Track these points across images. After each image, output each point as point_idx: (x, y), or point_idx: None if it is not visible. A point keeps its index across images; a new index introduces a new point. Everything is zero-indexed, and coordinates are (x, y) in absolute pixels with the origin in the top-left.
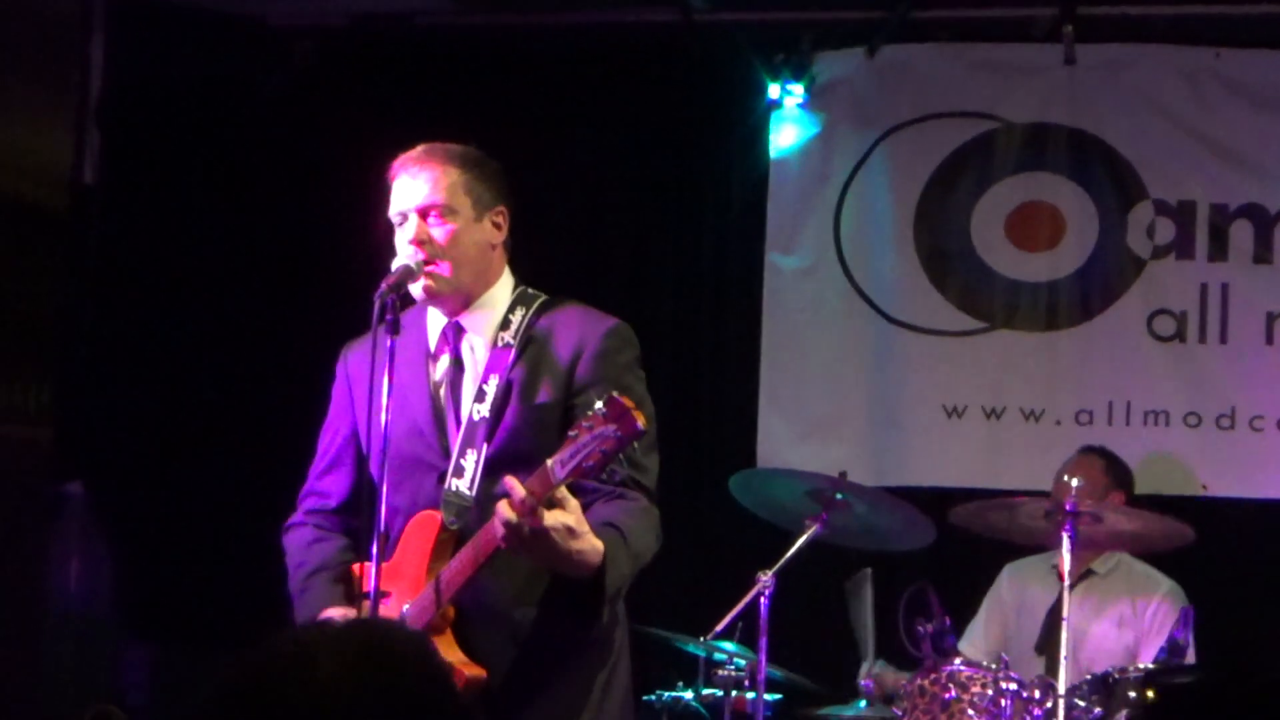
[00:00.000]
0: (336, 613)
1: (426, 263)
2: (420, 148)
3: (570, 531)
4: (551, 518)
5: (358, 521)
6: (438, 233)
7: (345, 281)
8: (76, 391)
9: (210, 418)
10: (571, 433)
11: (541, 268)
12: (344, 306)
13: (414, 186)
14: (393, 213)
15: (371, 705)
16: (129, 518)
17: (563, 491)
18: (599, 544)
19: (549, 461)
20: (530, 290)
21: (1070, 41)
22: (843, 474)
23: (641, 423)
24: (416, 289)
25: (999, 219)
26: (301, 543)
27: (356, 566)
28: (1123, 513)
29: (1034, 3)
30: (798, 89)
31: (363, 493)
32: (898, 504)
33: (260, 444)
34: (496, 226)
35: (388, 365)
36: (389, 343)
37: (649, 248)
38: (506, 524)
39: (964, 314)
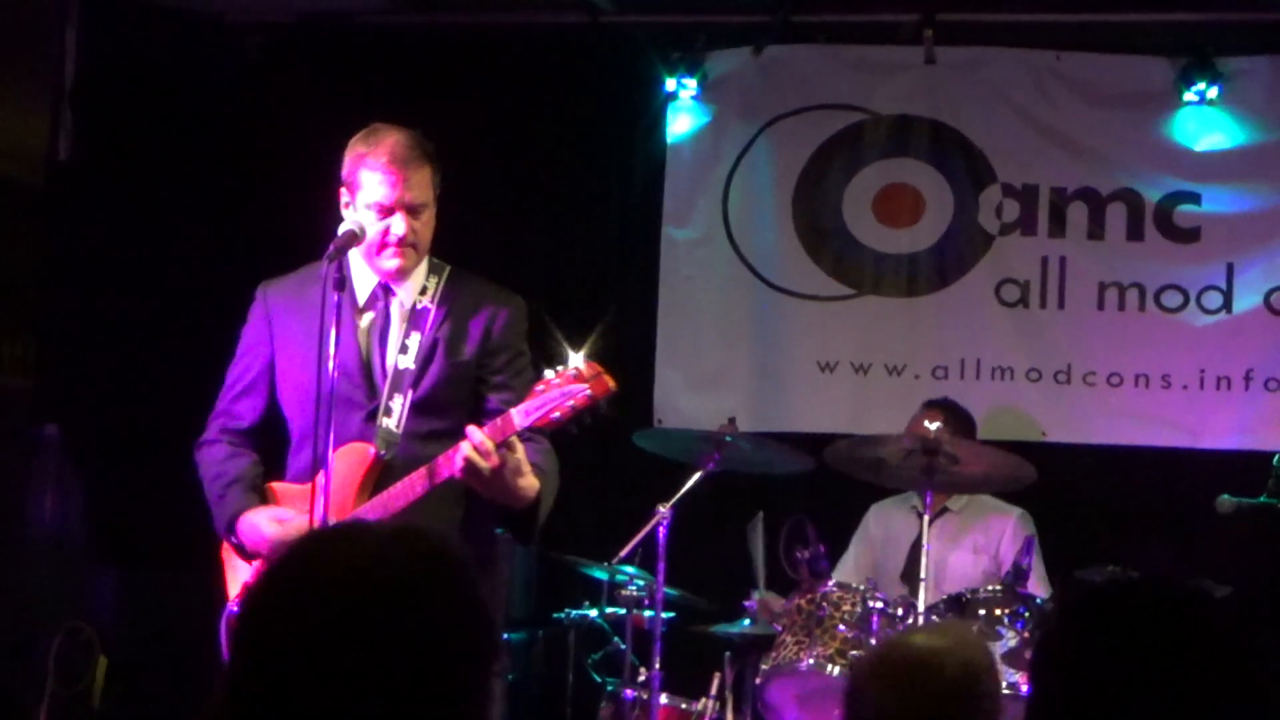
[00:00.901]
0: (261, 515)
1: (404, 246)
2: (397, 142)
3: (519, 470)
4: (510, 459)
5: (266, 442)
6: (419, 225)
7: (288, 245)
8: (53, 345)
9: (170, 367)
10: (539, 387)
11: (467, 241)
12: (287, 265)
13: (403, 185)
14: (372, 200)
15: (412, 578)
16: (99, 457)
17: (514, 438)
18: (535, 483)
19: (512, 411)
20: (436, 260)
21: (930, 44)
22: (732, 420)
23: (612, 384)
24: (390, 264)
25: (867, 198)
26: (217, 457)
27: (273, 485)
28: (975, 449)
29: (900, 9)
30: (692, 83)
31: (271, 419)
32: (776, 442)
33: (217, 385)
34: (437, 208)
35: (334, 320)
36: (335, 298)
37: (560, 223)
38: (469, 460)
39: (836, 281)
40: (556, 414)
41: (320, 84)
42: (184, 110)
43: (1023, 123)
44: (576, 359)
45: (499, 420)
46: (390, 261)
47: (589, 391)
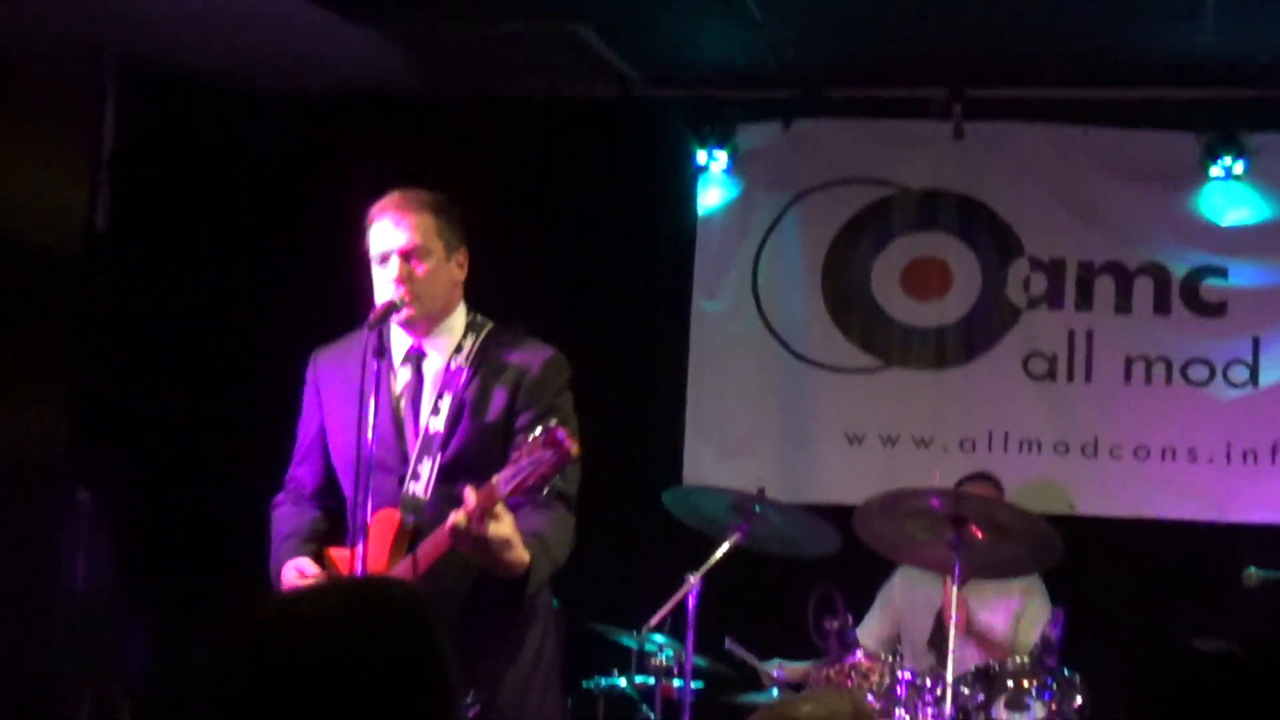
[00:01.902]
0: (292, 564)
1: (407, 296)
2: (398, 194)
3: (506, 543)
4: (493, 529)
5: (331, 503)
6: (417, 272)
7: (324, 314)
8: (86, 410)
9: (201, 431)
10: (514, 454)
11: (495, 313)
12: (321, 333)
13: (396, 231)
14: (375, 253)
15: (355, 641)
16: (130, 521)
17: (500, 506)
18: (525, 556)
19: (494, 478)
20: (480, 318)
21: (959, 118)
22: (761, 490)
23: (574, 451)
24: (397, 318)
25: (895, 271)
26: (283, 515)
27: (330, 550)
28: (1008, 508)
29: (929, 84)
30: (722, 156)
31: (331, 481)
32: (809, 517)
33: (245, 452)
34: (460, 266)
35: (374, 390)
36: (375, 366)
37: (592, 294)
38: (456, 528)
39: (864, 353)
40: (531, 480)
41: (353, 154)
42: (220, 180)
43: (1050, 196)
44: (546, 424)
45: (485, 488)
46: (399, 314)
47: (553, 458)
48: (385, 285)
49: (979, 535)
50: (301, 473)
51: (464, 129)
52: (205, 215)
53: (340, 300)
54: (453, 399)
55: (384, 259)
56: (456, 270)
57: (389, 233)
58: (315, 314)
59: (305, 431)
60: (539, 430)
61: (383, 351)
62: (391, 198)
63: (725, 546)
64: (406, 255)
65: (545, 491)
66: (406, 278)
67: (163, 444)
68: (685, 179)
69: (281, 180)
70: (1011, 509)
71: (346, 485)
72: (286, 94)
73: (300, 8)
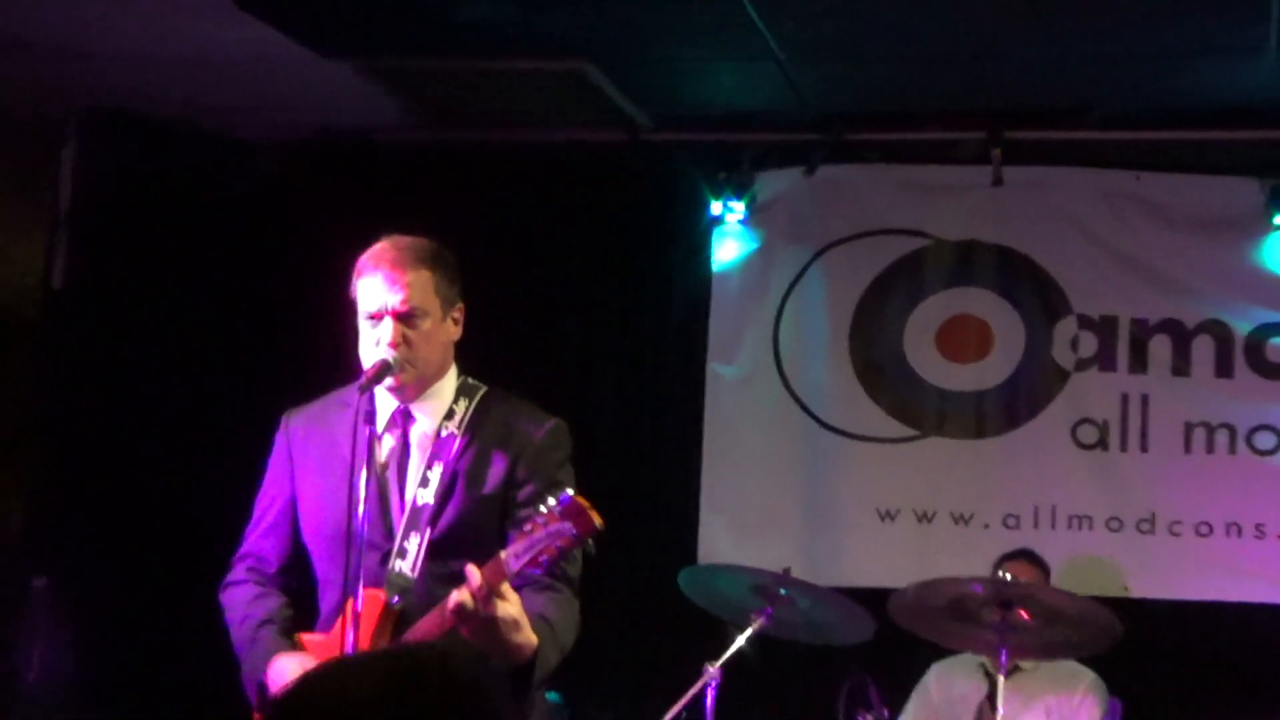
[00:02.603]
0: (294, 660)
1: (403, 362)
2: (390, 246)
3: (514, 624)
4: (502, 609)
5: (294, 583)
6: (413, 334)
7: (303, 378)
8: (44, 494)
9: (169, 512)
10: (526, 527)
11: (493, 372)
12: (296, 397)
13: (391, 291)
14: (365, 310)
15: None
16: (90, 608)
17: (506, 585)
18: (534, 639)
19: (503, 554)
20: (471, 381)
21: (998, 163)
22: (787, 570)
23: (598, 522)
24: (389, 382)
25: (930, 331)
26: (245, 597)
27: (301, 635)
28: (1058, 593)
29: (962, 126)
30: (739, 206)
31: (298, 559)
32: (839, 600)
33: (215, 533)
34: (455, 323)
35: (365, 457)
36: (365, 432)
37: (595, 355)
38: (461, 607)
39: (896, 421)
40: (545, 557)
41: (339, 203)
42: (191, 232)
43: (1099, 249)
44: (563, 494)
45: (490, 565)
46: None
47: (574, 531)
48: (377, 346)
49: (1027, 618)
50: (264, 547)
51: (457, 177)
52: (176, 270)
53: (318, 360)
54: (444, 469)
55: (376, 318)
56: (452, 328)
57: (382, 291)
58: (290, 377)
59: (271, 501)
60: (554, 500)
61: (373, 419)
62: (384, 250)
63: (747, 633)
64: (402, 317)
65: (548, 573)
66: (402, 341)
67: (126, 526)
68: (699, 231)
69: (257, 233)
70: (1062, 594)
71: (319, 563)
72: (267, 140)
73: (276, 46)
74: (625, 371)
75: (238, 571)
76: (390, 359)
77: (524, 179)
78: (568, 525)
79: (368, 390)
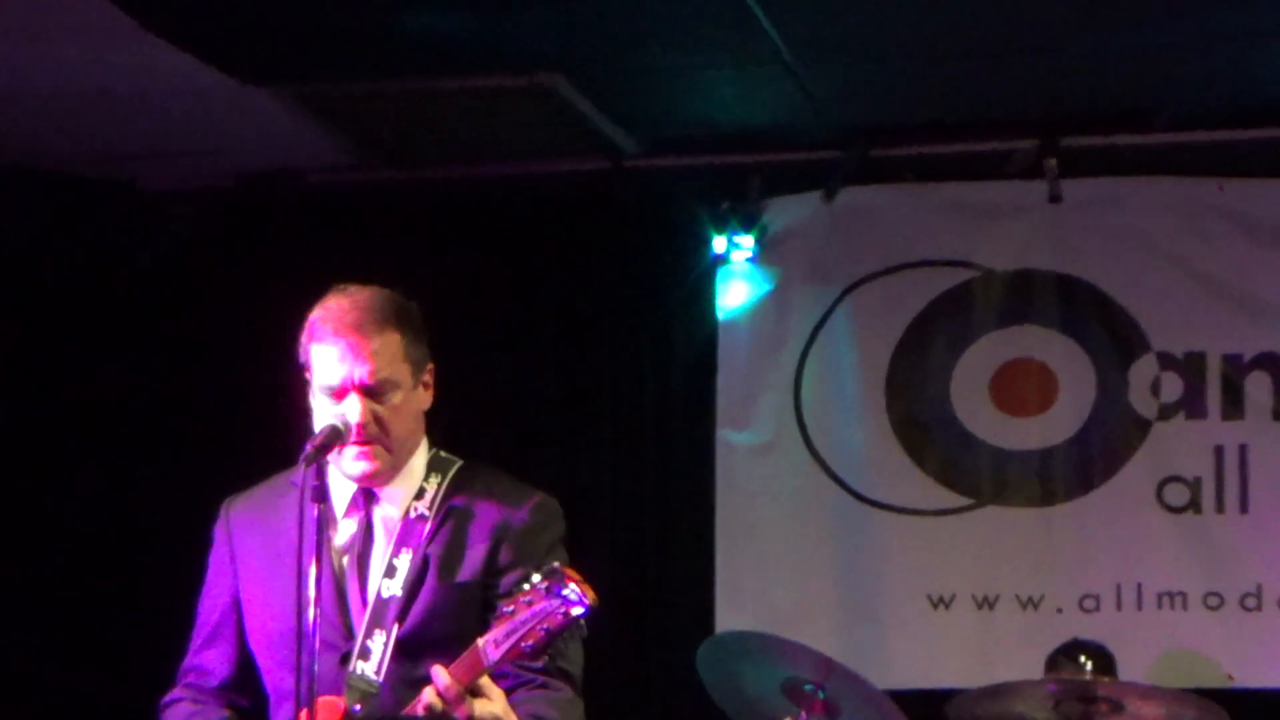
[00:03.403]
0: None
1: (367, 443)
2: (351, 305)
3: None
4: (480, 707)
5: (244, 700)
6: (384, 410)
7: (242, 462)
8: None
9: (91, 619)
10: (507, 608)
11: (463, 440)
12: (230, 473)
13: (355, 362)
14: (322, 384)
15: None
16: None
17: (486, 679)
18: None
19: (480, 641)
20: (444, 454)
21: (1054, 177)
22: (828, 661)
23: (590, 598)
24: (354, 468)
25: (982, 381)
26: (180, 717)
27: None
28: (1148, 693)
29: (1010, 135)
30: (746, 240)
31: (245, 670)
32: (892, 709)
33: (146, 642)
34: (426, 388)
35: (314, 542)
36: (314, 511)
37: (583, 423)
38: (429, 711)
39: (946, 490)
40: (529, 643)
41: (269, 260)
42: (96, 296)
43: (1179, 273)
44: (548, 567)
45: (466, 656)
46: (355, 464)
47: (564, 610)
48: (325, 416)
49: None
50: (206, 659)
51: (409, 223)
52: (70, 355)
53: (258, 440)
54: (413, 556)
55: (337, 395)
56: (423, 394)
57: (345, 362)
58: (227, 462)
59: (212, 605)
60: (539, 576)
61: (324, 494)
62: (342, 311)
63: None
64: (370, 391)
65: (544, 664)
66: (370, 420)
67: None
68: (700, 273)
69: (177, 296)
70: (1153, 690)
71: (269, 674)
72: (179, 191)
73: (189, 75)
74: (620, 444)
75: (177, 690)
76: (339, 423)
77: (490, 221)
78: (555, 603)
79: (315, 462)
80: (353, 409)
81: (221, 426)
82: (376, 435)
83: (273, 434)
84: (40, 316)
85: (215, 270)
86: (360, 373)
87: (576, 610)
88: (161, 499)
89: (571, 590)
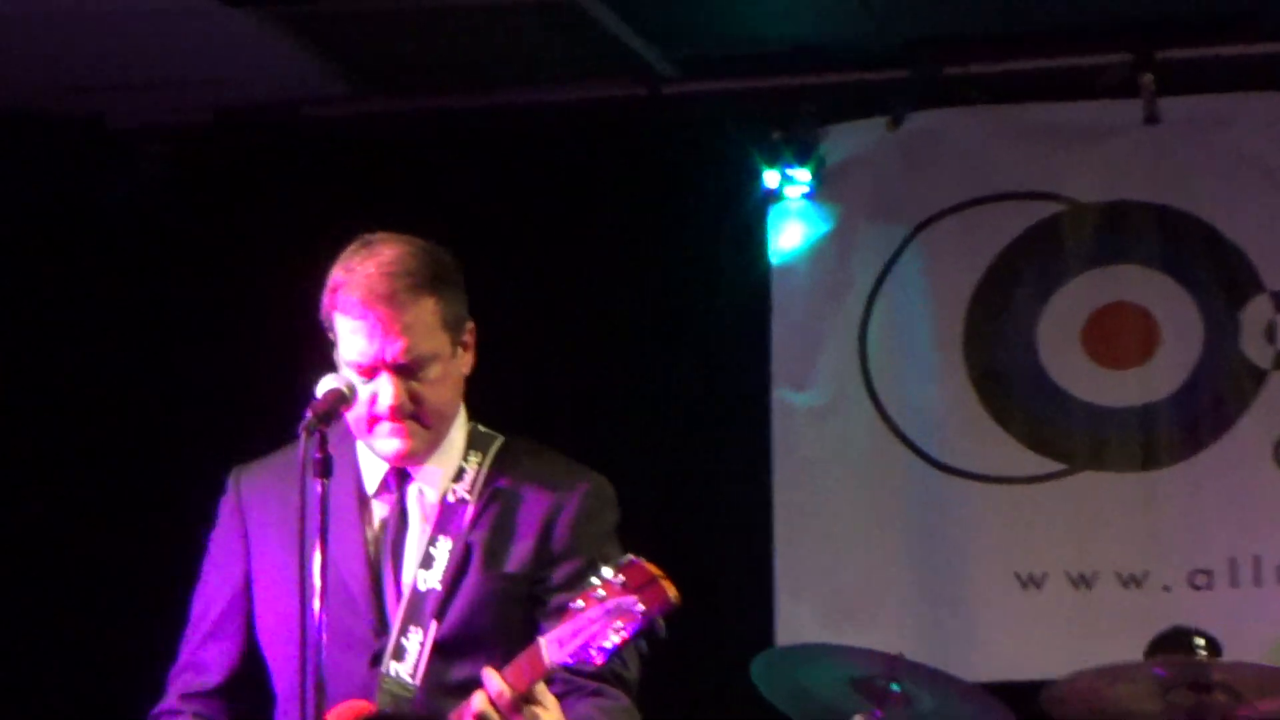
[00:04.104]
0: None
1: (403, 420)
2: (379, 272)
3: None
4: (532, 716)
5: (245, 705)
6: (421, 388)
7: (223, 406)
8: None
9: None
10: (575, 604)
11: (489, 404)
12: (222, 435)
13: (388, 340)
14: (351, 358)
15: None
16: None
17: (541, 685)
18: None
19: (541, 641)
20: (482, 429)
21: (1150, 94)
22: (899, 655)
23: (674, 596)
24: (387, 446)
25: (1073, 328)
26: None
27: None
28: (1270, 680)
29: (1099, 48)
30: (802, 174)
31: (253, 669)
32: (976, 695)
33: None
34: (466, 348)
35: (320, 518)
36: (318, 488)
37: (621, 383)
38: (480, 718)
39: (1035, 453)
40: (599, 645)
41: (257, 206)
42: (55, 251)
43: None
44: (623, 559)
45: (523, 658)
46: (387, 442)
47: (641, 608)
48: (372, 403)
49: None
50: (207, 656)
51: (421, 161)
52: (46, 288)
53: (267, 403)
54: (454, 544)
55: (369, 372)
56: (464, 357)
57: (374, 340)
58: (231, 428)
59: (216, 592)
60: (611, 569)
61: (329, 467)
62: (370, 281)
63: None
64: (405, 370)
65: (599, 668)
66: (408, 400)
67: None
68: (749, 211)
69: (154, 241)
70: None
71: (277, 672)
72: (149, 127)
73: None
74: (662, 408)
75: (170, 698)
76: (344, 387)
77: (508, 158)
78: (631, 599)
79: (316, 429)
80: (385, 390)
81: (202, 396)
82: (413, 414)
83: (261, 391)
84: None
85: (193, 217)
86: (392, 351)
87: (655, 609)
88: (141, 480)
89: (650, 585)
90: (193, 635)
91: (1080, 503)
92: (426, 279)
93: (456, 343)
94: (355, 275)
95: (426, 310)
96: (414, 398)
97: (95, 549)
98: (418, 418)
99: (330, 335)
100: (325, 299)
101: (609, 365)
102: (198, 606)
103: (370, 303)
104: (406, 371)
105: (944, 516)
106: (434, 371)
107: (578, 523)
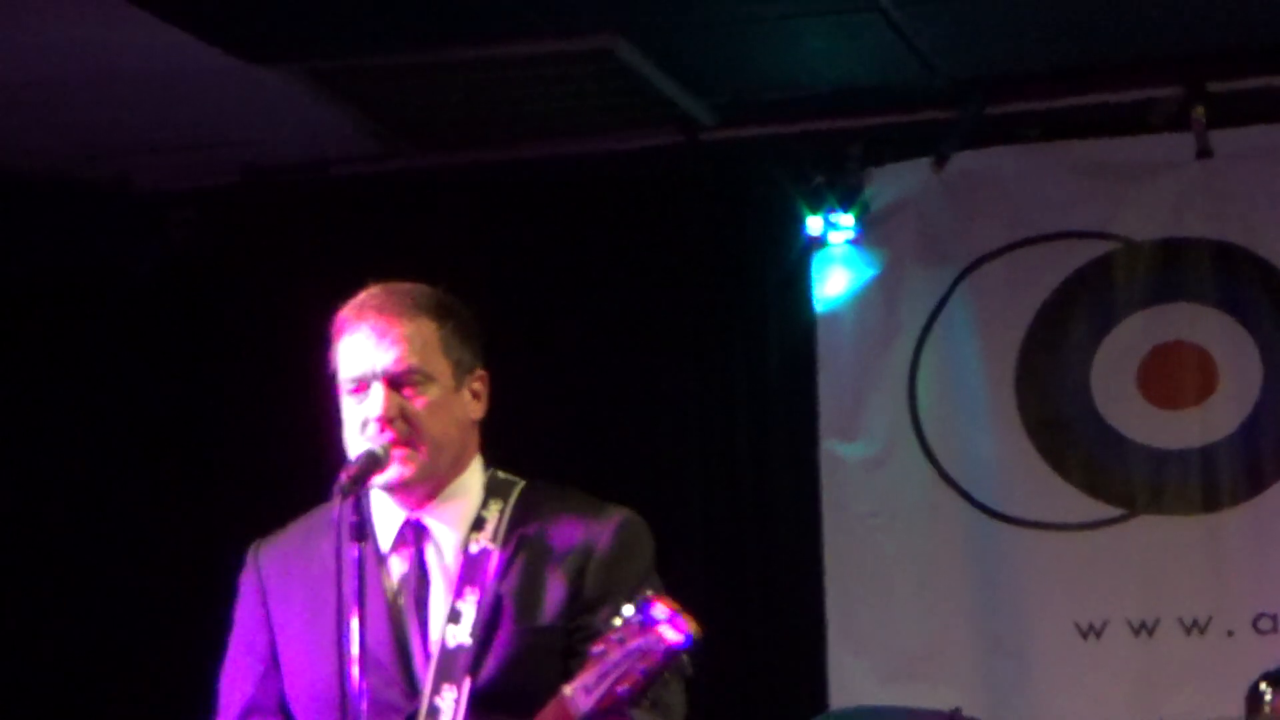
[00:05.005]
0: None
1: (397, 445)
2: (379, 290)
3: None
4: None
5: None
6: (413, 407)
7: (269, 502)
8: None
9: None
10: (596, 649)
11: (525, 462)
12: (243, 505)
13: (379, 347)
14: (347, 377)
15: None
16: None
17: None
18: None
19: (567, 689)
20: (502, 475)
21: (1202, 128)
22: (956, 711)
23: (693, 629)
24: (382, 479)
25: (1129, 370)
26: None
27: None
28: None
29: (1149, 81)
30: (846, 219)
31: None
32: None
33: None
34: (475, 396)
35: (356, 585)
36: (354, 552)
37: (665, 440)
38: None
39: (1092, 499)
40: (625, 687)
41: (287, 266)
42: (84, 318)
43: None
44: (642, 600)
45: (551, 708)
46: (384, 474)
47: (663, 645)
48: (364, 431)
49: None
50: None
51: (453, 215)
52: (62, 383)
53: (287, 474)
54: (480, 597)
55: (361, 387)
56: (471, 402)
57: (369, 348)
58: (250, 501)
59: (245, 673)
60: (632, 608)
61: (364, 532)
62: (371, 297)
63: None
64: (396, 381)
65: (638, 714)
66: (397, 414)
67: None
68: (793, 258)
69: (184, 305)
70: None
71: None
72: (176, 191)
73: (186, 55)
74: (708, 461)
75: None
76: (378, 448)
77: (545, 210)
78: (654, 639)
79: (350, 494)
80: (375, 401)
81: (233, 454)
82: (406, 434)
83: (291, 463)
84: (26, 338)
85: (223, 280)
86: (384, 359)
87: (676, 644)
88: (172, 534)
89: (668, 621)
90: (225, 716)
91: (1140, 548)
92: (429, 306)
93: (461, 380)
94: (357, 299)
95: (425, 329)
96: (405, 416)
97: (127, 588)
98: (411, 441)
99: (337, 386)
100: (331, 341)
101: (653, 418)
102: (226, 687)
103: (366, 314)
104: (398, 384)
105: (1000, 566)
106: (430, 393)
107: (611, 563)
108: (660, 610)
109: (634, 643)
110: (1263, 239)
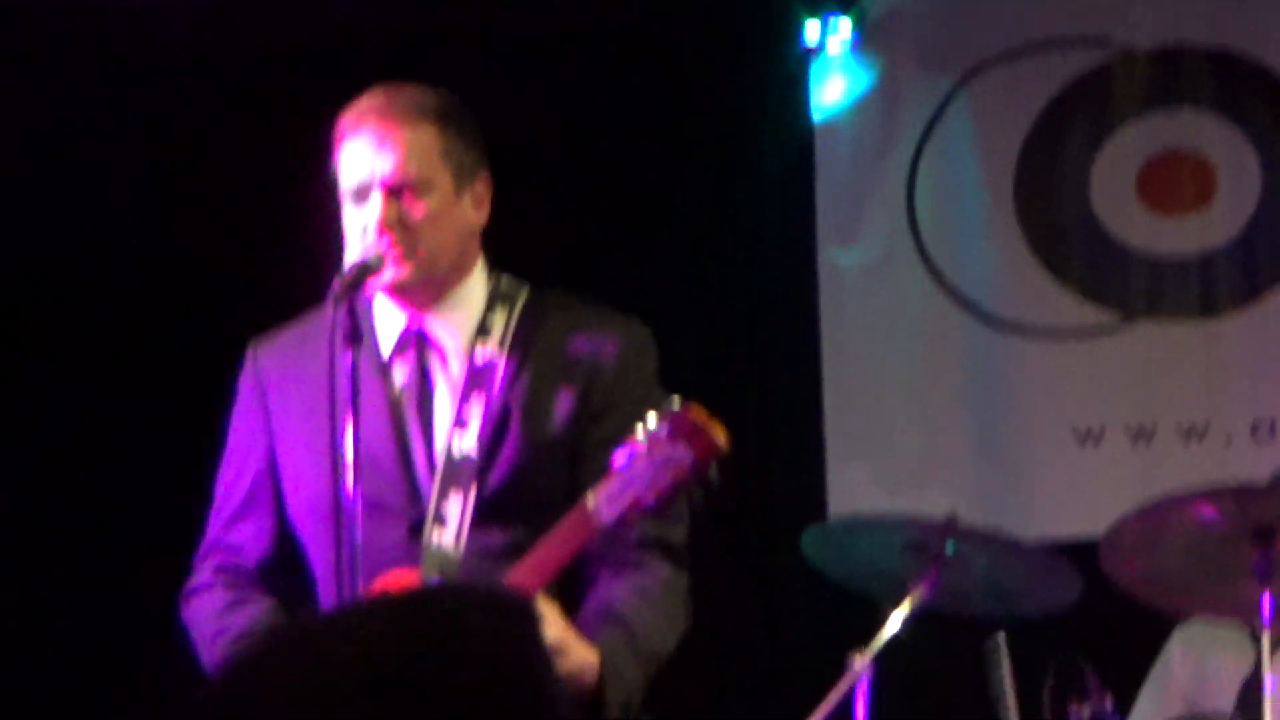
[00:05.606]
0: None
1: (395, 249)
2: (381, 94)
3: (556, 650)
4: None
5: (284, 583)
6: (412, 214)
7: (266, 301)
8: None
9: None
10: (620, 459)
11: (524, 263)
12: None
13: (378, 154)
14: (348, 186)
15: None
16: None
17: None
18: (592, 658)
19: (589, 499)
20: (509, 280)
21: None
22: (951, 517)
23: (723, 438)
24: (378, 282)
25: (1128, 176)
26: (215, 607)
27: None
28: None
29: None
30: (843, 24)
31: (285, 546)
32: (1030, 554)
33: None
34: (478, 205)
35: (349, 391)
36: (348, 358)
37: (660, 250)
38: None
39: (1091, 305)
40: (651, 497)
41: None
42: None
43: None
44: (668, 406)
45: (570, 518)
46: (379, 277)
47: (690, 455)
48: (363, 236)
49: None
50: (239, 535)
51: (454, 19)
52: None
53: (286, 274)
54: (487, 404)
55: (361, 194)
56: (472, 210)
57: (368, 155)
58: (248, 300)
59: (241, 469)
60: (657, 417)
61: (358, 335)
62: (372, 100)
63: (903, 610)
64: (395, 189)
65: (639, 535)
66: (395, 222)
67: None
68: (790, 67)
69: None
70: None
71: (314, 550)
72: None
73: None
74: (705, 271)
75: (202, 573)
76: (371, 256)
77: (546, 10)
78: (680, 448)
79: (344, 300)
80: (374, 208)
81: (239, 258)
82: (402, 239)
83: (301, 266)
84: None
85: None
86: (384, 166)
87: (708, 459)
88: (167, 345)
89: (701, 435)
90: (219, 516)
91: (1138, 353)
92: (430, 109)
93: (462, 187)
94: (357, 104)
95: (426, 135)
96: (404, 223)
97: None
98: (407, 250)
99: (338, 186)
100: (333, 147)
101: (648, 229)
102: (223, 484)
103: (367, 116)
104: (397, 192)
105: (998, 373)
106: (428, 202)
107: (619, 373)
108: (689, 421)
109: (660, 454)
110: (1265, 44)
